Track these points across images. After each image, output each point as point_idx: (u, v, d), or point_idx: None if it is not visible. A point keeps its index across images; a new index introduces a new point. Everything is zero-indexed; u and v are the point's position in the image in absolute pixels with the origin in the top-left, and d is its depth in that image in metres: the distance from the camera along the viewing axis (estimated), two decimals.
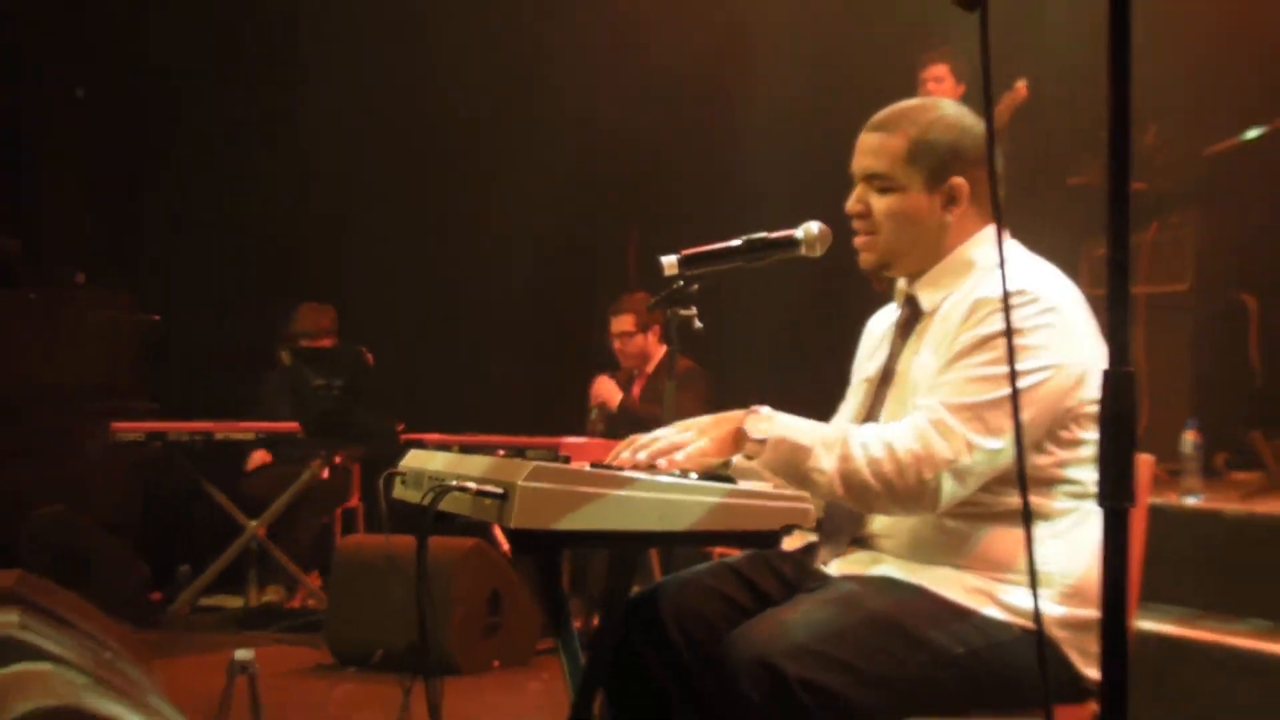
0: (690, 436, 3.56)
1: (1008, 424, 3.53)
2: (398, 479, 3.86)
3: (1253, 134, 8.37)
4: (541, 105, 12.35)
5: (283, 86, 12.50)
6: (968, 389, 3.58)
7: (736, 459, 3.67)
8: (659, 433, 3.59)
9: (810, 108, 10.61)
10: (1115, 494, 2.29)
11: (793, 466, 3.57)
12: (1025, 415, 3.55)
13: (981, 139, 3.87)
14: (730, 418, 3.61)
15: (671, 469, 3.48)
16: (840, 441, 3.58)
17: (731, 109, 12.13)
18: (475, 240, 12.96)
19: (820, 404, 4.38)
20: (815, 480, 3.56)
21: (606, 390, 9.79)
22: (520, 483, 3.18)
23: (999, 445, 3.55)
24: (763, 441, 3.57)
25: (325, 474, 10.98)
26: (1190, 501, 7.64)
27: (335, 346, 11.08)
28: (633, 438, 3.66)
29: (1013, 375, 3.05)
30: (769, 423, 3.61)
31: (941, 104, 3.99)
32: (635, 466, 3.49)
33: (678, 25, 12.02)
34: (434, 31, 12.70)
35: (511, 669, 8.78)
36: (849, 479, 3.55)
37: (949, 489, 3.55)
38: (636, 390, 9.78)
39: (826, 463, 3.56)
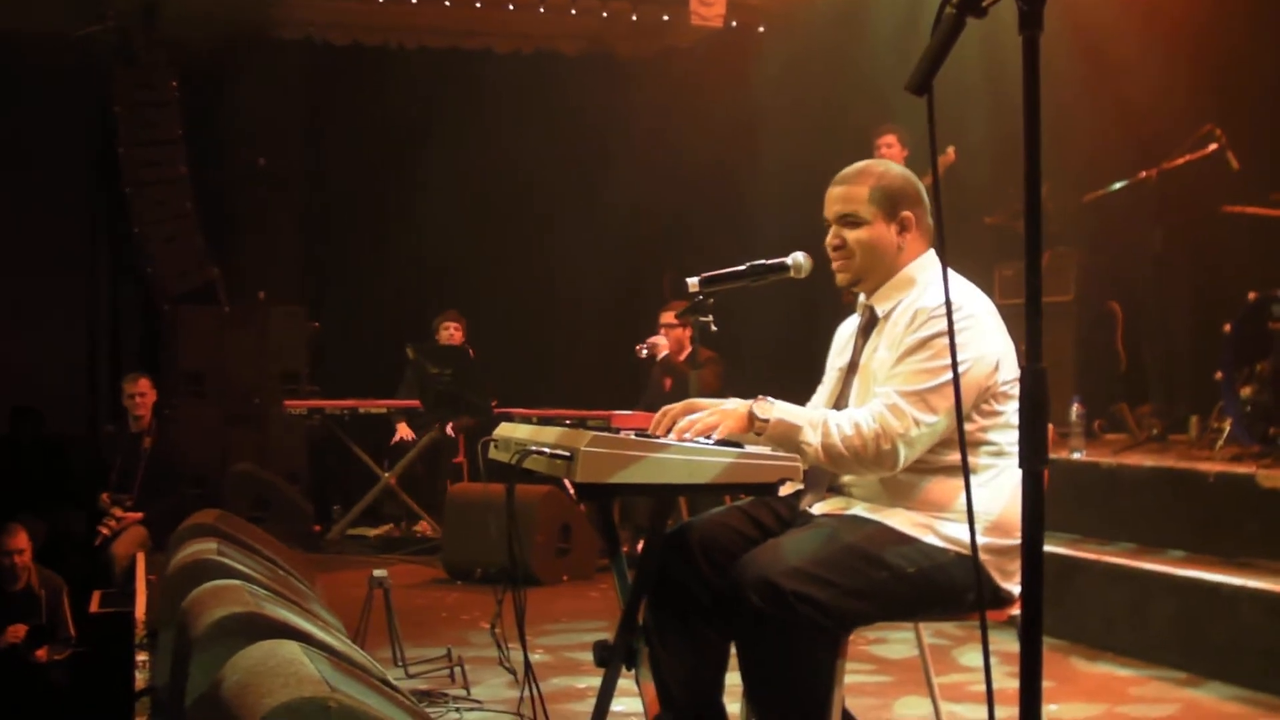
0: (715, 419, 3.54)
1: (943, 404, 3.55)
2: (492, 444, 3.86)
3: (1117, 186, 8.31)
4: (602, 178, 12.37)
5: (415, 155, 12.54)
6: (914, 379, 3.59)
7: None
8: (694, 415, 3.56)
9: (794, 168, 10.57)
10: (1032, 459, 2.25)
11: (789, 440, 3.56)
12: (953, 398, 3.53)
13: (916, 186, 3.88)
14: (743, 404, 3.60)
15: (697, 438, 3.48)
16: (822, 422, 3.58)
17: (737, 178, 12.19)
18: (552, 274, 13.03)
19: (800, 383, 4.38)
20: (805, 450, 3.55)
21: (661, 340, 9.80)
22: (583, 448, 3.18)
23: (936, 420, 3.57)
24: (767, 421, 3.55)
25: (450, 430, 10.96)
26: (1076, 456, 7.63)
27: (447, 345, 11.06)
28: (666, 409, 3.65)
29: (954, 367, 2.99)
30: (771, 408, 3.59)
31: (884, 163, 4.00)
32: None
33: (696, 123, 12.14)
34: (525, 127, 12.77)
35: (577, 582, 8.75)
36: (829, 450, 3.55)
37: (903, 454, 3.56)
38: (669, 381, 9.76)
39: (813, 438, 3.55)
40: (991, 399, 3.66)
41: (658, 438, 3.42)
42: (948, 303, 2.90)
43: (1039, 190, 2.30)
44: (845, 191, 3.86)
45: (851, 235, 3.84)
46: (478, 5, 12.29)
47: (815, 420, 3.58)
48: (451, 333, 11.19)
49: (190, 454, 10.47)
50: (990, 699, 2.55)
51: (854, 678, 5.78)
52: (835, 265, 3.91)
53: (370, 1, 12.16)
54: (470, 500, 8.93)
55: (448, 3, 12.25)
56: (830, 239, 3.89)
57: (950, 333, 2.97)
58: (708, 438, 3.48)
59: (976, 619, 3.65)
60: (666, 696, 3.75)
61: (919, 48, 2.42)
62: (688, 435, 3.48)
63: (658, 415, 3.65)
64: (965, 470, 2.71)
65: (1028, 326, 2.32)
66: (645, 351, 9.81)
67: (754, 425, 3.56)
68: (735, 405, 3.61)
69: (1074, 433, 7.80)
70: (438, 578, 9.00)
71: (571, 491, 7.91)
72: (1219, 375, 7.49)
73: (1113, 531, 7.07)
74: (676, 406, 3.64)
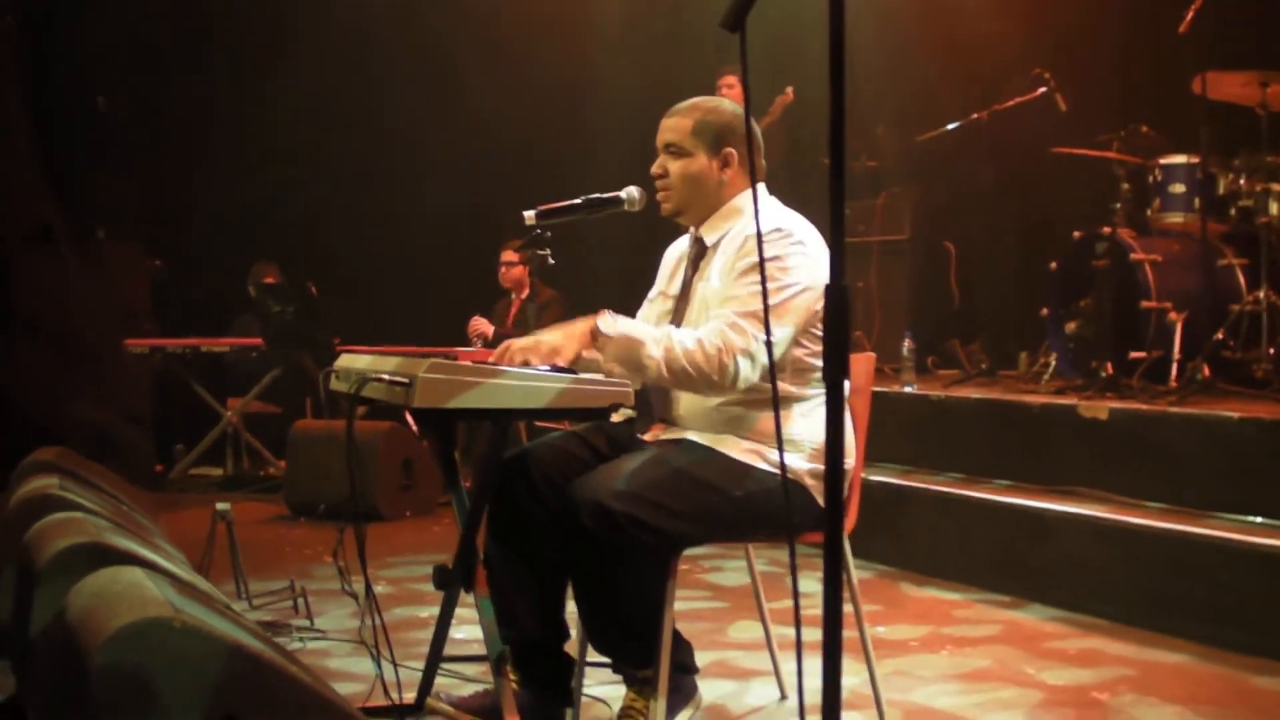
0: (559, 340, 3.63)
1: (784, 320, 3.70)
2: (333, 375, 3.87)
3: (951, 126, 8.50)
4: (447, 111, 12.32)
5: (256, 89, 12.36)
6: (750, 301, 3.67)
7: (586, 352, 3.72)
8: (534, 340, 3.65)
9: (639, 101, 10.62)
10: (834, 373, 2.35)
11: (632, 354, 3.64)
12: (788, 320, 3.71)
13: (746, 124, 3.94)
14: (585, 320, 3.67)
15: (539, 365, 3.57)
16: (666, 337, 3.66)
17: (584, 104, 12.17)
18: (396, 205, 12.86)
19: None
20: (646, 365, 3.64)
21: (482, 325, 9.72)
22: (421, 374, 3.24)
23: (774, 337, 3.66)
24: (610, 337, 3.64)
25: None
26: (907, 390, 7.80)
27: (289, 282, 11.03)
28: (508, 343, 3.71)
29: (763, 282, 3.11)
30: (615, 323, 3.67)
31: (719, 100, 4.10)
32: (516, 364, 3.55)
33: (545, 47, 12.12)
34: (374, 48, 12.67)
35: (420, 517, 8.80)
36: (671, 365, 3.63)
37: (745, 371, 3.64)
38: (512, 313, 9.78)
39: (656, 352, 3.63)
40: (821, 324, 3.73)
41: (495, 364, 3.49)
42: (759, 233, 3.02)
43: (843, 131, 2.39)
44: (674, 123, 4.00)
45: (674, 165, 3.98)
46: None
47: (658, 336, 3.66)
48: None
49: (28, 396, 10.33)
50: (797, 617, 2.70)
51: (690, 604, 5.92)
52: (658, 194, 4.04)
53: None
54: (313, 436, 8.95)
55: None
56: (655, 167, 4.02)
57: (760, 259, 3.08)
58: (539, 366, 3.54)
59: (806, 543, 3.82)
60: (509, 618, 3.83)
61: None
62: (534, 362, 3.56)
63: (500, 348, 3.73)
64: (774, 390, 2.84)
65: (831, 245, 2.41)
66: (479, 342, 9.76)
67: (597, 340, 3.65)
68: (576, 324, 3.69)
69: (906, 367, 7.99)
70: (281, 514, 9.01)
71: (414, 426, 7.95)
72: (1045, 312, 7.76)
73: (942, 462, 7.25)
74: (521, 341, 3.72)
